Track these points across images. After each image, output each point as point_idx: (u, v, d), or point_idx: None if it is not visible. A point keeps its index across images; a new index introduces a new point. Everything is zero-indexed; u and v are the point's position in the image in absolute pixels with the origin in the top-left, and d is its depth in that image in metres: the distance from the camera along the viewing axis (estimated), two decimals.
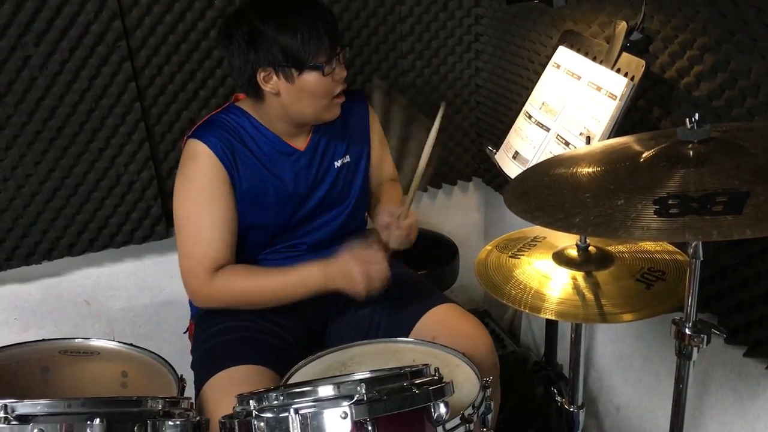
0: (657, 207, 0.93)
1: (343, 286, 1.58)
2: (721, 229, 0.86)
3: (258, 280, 1.64)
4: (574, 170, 1.18)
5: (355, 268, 1.55)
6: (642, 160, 1.10)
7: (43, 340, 1.53)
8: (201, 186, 1.62)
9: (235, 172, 1.64)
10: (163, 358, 1.46)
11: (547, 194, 1.09)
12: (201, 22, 2.00)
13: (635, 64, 1.56)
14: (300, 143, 1.71)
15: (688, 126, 1.07)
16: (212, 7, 1.99)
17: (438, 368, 1.19)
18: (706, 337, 1.14)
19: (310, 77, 1.57)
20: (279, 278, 1.64)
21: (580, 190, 1.06)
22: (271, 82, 1.58)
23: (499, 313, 2.57)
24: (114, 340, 1.53)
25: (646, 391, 1.97)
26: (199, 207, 1.62)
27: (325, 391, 1.08)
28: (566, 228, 0.97)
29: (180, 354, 1.78)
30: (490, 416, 1.30)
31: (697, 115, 1.08)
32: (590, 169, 1.17)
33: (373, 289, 1.56)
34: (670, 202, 0.93)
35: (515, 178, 1.23)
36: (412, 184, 1.63)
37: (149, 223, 2.13)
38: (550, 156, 1.70)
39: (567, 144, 1.67)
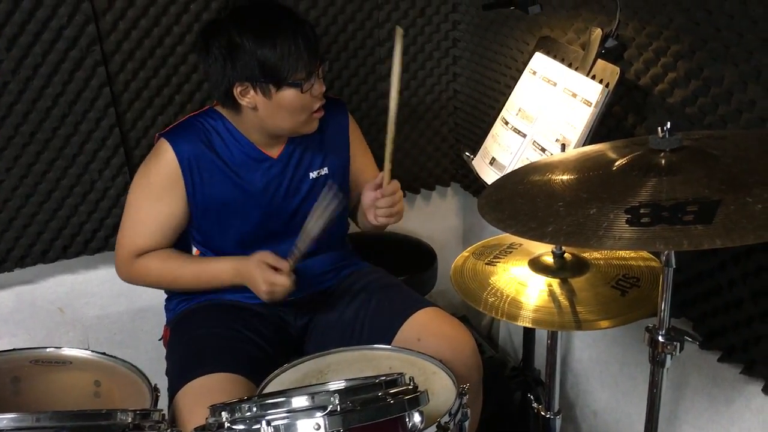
0: (629, 216, 0.93)
1: (250, 285, 1.64)
2: (691, 239, 0.86)
3: (173, 267, 1.71)
4: (549, 178, 1.19)
5: (259, 277, 1.60)
6: (615, 168, 1.10)
7: (14, 349, 1.51)
8: (152, 183, 1.67)
9: (200, 181, 1.65)
10: (137, 367, 1.45)
11: (521, 203, 1.09)
12: (176, 26, 1.98)
13: (610, 71, 1.57)
14: (274, 151, 1.70)
15: (660, 135, 1.07)
16: (188, 12, 1.98)
17: (413, 377, 1.18)
18: (679, 344, 1.15)
19: (288, 94, 1.56)
20: (193, 268, 1.72)
21: (553, 198, 1.06)
22: (248, 97, 1.57)
23: (478, 319, 2.57)
24: (87, 349, 1.51)
25: (622, 395, 1.98)
26: (143, 200, 1.68)
27: (299, 402, 1.08)
28: (539, 237, 0.97)
29: (156, 361, 1.76)
30: (467, 423, 1.30)
31: (669, 123, 1.08)
32: (564, 177, 1.17)
33: (274, 298, 1.61)
34: (641, 211, 0.94)
35: (489, 186, 1.23)
36: (388, 139, 1.62)
37: None
38: (526, 162, 1.70)
39: (543, 150, 1.67)
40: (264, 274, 1.59)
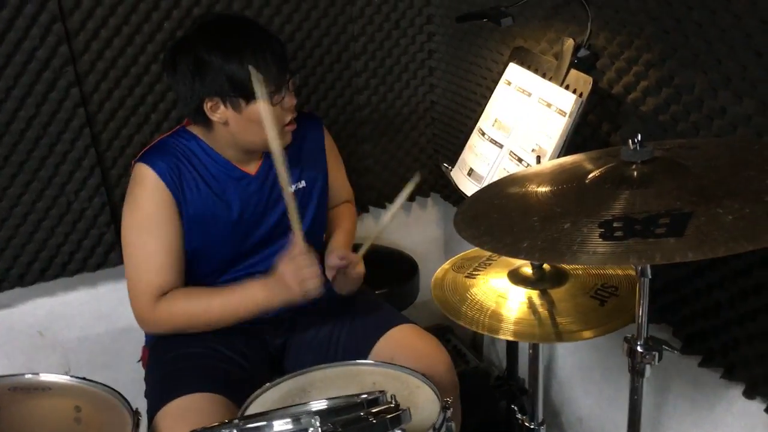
0: (602, 230, 0.94)
1: (284, 295, 1.57)
2: (663, 252, 0.87)
3: (201, 301, 1.63)
4: (525, 190, 1.19)
5: (287, 273, 1.54)
6: (588, 181, 1.11)
7: None
8: (147, 212, 1.60)
9: (182, 196, 1.62)
10: (117, 392, 1.43)
11: (497, 218, 1.09)
12: (150, 45, 1.97)
13: (583, 80, 1.58)
14: (251, 168, 1.69)
15: (631, 146, 1.08)
16: (161, 30, 1.97)
17: (395, 395, 1.18)
18: (657, 354, 1.16)
19: (258, 107, 1.55)
20: (223, 298, 1.63)
21: (528, 213, 1.07)
22: (219, 112, 1.56)
23: (462, 328, 2.57)
24: (66, 374, 1.49)
25: (606, 401, 1.99)
26: (145, 233, 1.61)
27: (280, 425, 1.07)
28: (514, 253, 0.98)
29: (138, 382, 1.74)
30: None
31: (639, 135, 1.09)
32: (540, 189, 1.17)
33: (309, 290, 1.54)
34: (614, 225, 0.94)
35: (464, 201, 1.23)
36: (370, 240, 1.68)
37: (102, 250, 2.09)
38: (504, 173, 1.71)
39: (520, 160, 1.68)
40: (293, 269, 1.52)
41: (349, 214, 1.91)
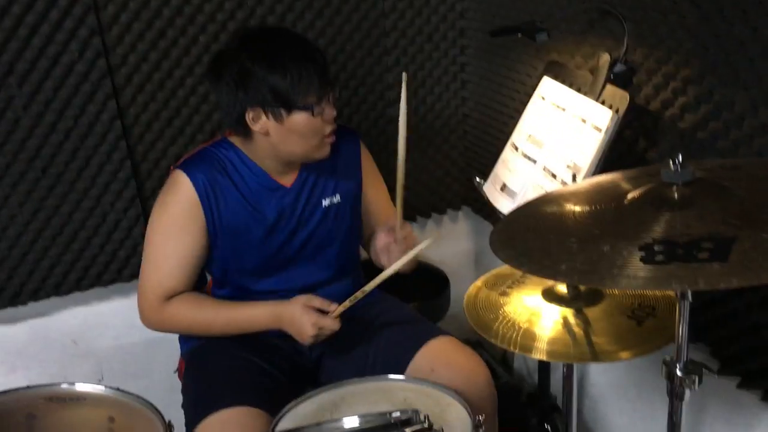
0: (643, 254, 0.92)
1: (290, 331, 1.61)
2: (707, 278, 0.85)
3: (206, 312, 1.67)
4: (561, 209, 1.18)
5: (306, 321, 1.57)
6: (627, 201, 1.09)
7: (29, 387, 1.51)
8: (173, 217, 1.64)
9: (216, 208, 1.64)
10: (151, 403, 1.44)
11: (533, 238, 1.08)
12: (186, 58, 2.00)
13: (619, 96, 1.56)
14: (287, 180, 1.70)
15: (672, 167, 1.06)
16: (197, 44, 1.99)
17: (428, 415, 1.17)
18: (697, 377, 1.13)
19: (300, 118, 1.56)
20: (227, 313, 1.68)
21: (566, 234, 1.05)
22: (260, 122, 1.58)
23: (492, 343, 2.55)
24: (100, 384, 1.50)
25: (641, 421, 1.96)
26: (165, 236, 1.64)
27: None
28: (552, 275, 0.97)
29: (170, 392, 1.76)
30: None
31: (680, 156, 1.07)
32: (576, 209, 1.16)
33: (317, 341, 1.60)
34: (655, 248, 0.93)
35: (501, 221, 1.22)
36: (397, 180, 1.62)
37: (137, 261, 2.11)
38: (537, 188, 1.69)
39: (554, 176, 1.66)
40: (311, 317, 1.57)
41: None
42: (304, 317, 1.57)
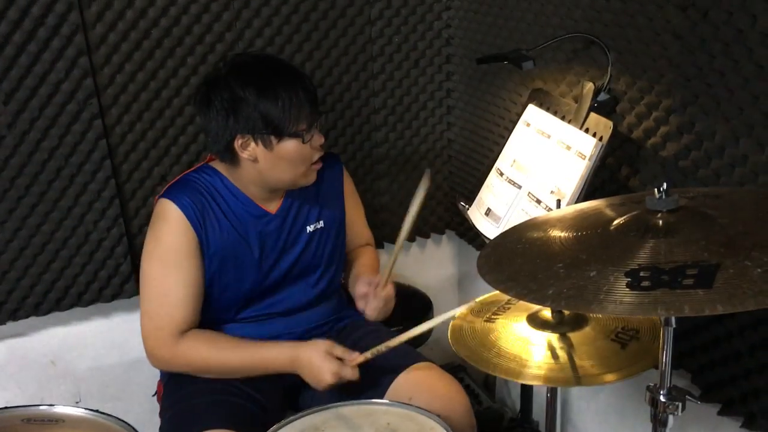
0: (629, 279, 0.94)
1: (305, 375, 1.59)
2: (692, 304, 0.86)
3: (223, 352, 1.62)
4: (547, 235, 1.19)
5: (327, 370, 1.55)
6: (612, 228, 1.11)
7: (6, 408, 1.49)
8: (169, 247, 1.61)
9: (204, 233, 1.62)
10: (131, 426, 1.42)
11: (521, 263, 1.09)
12: (173, 79, 2.00)
13: (603, 124, 1.59)
14: (272, 206, 1.70)
15: (657, 195, 1.08)
16: (185, 65, 2.00)
17: None
18: (681, 404, 1.14)
19: (290, 145, 1.57)
20: (245, 354, 1.63)
21: (553, 259, 1.07)
22: (249, 149, 1.58)
23: (474, 368, 2.55)
24: (79, 407, 1.49)
25: None
26: (166, 268, 1.61)
27: None
28: (540, 300, 0.98)
29: (150, 414, 1.74)
30: None
31: (665, 184, 1.09)
32: (563, 234, 1.17)
33: (327, 387, 1.58)
34: (641, 274, 0.94)
35: (488, 245, 1.23)
36: (393, 253, 1.66)
37: (118, 281, 2.09)
38: (522, 213, 1.71)
39: (539, 202, 1.68)
40: (332, 366, 1.55)
41: (370, 253, 1.92)
42: (324, 365, 1.55)
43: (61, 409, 1.48)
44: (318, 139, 1.61)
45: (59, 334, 2.16)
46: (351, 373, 1.56)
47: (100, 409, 1.46)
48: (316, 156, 1.63)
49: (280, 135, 1.56)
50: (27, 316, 2.05)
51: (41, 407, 1.49)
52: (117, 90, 1.96)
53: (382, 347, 1.57)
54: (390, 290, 1.69)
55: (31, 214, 1.96)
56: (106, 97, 1.95)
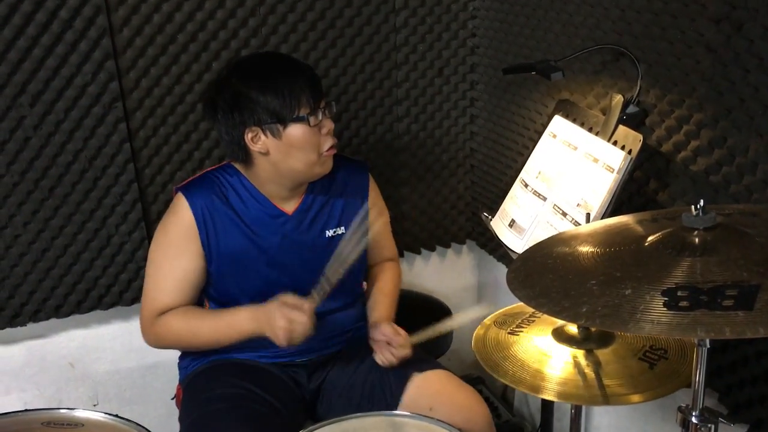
0: (666, 299, 0.91)
1: (267, 332, 1.59)
2: (733, 327, 0.84)
3: (192, 322, 1.68)
4: (576, 250, 1.17)
5: (279, 319, 1.55)
6: (647, 244, 1.09)
7: (26, 410, 1.49)
8: (171, 238, 1.67)
9: (213, 233, 1.65)
10: (149, 431, 1.42)
11: (552, 278, 1.07)
12: (198, 84, 2.00)
13: (632, 137, 1.56)
14: (289, 207, 1.70)
15: (693, 212, 1.06)
16: (209, 71, 2.00)
17: None
18: (713, 426, 1.12)
19: (296, 130, 1.57)
20: (211, 321, 1.69)
21: (585, 275, 1.05)
22: (260, 142, 1.59)
23: (493, 379, 2.53)
24: (99, 411, 1.48)
25: None
26: (163, 256, 1.68)
27: None
28: (573, 318, 0.96)
29: (167, 419, 1.73)
30: None
31: (702, 201, 1.07)
32: (593, 250, 1.15)
33: (293, 341, 1.56)
34: (679, 293, 0.92)
35: (517, 259, 1.21)
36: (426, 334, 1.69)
37: (138, 284, 2.09)
38: (547, 226, 1.69)
39: (564, 215, 1.66)
40: (283, 310, 1.56)
41: (392, 275, 1.90)
42: (276, 311, 1.56)
43: (80, 413, 1.48)
44: (327, 125, 1.62)
45: (78, 336, 2.17)
46: (302, 317, 1.54)
47: (119, 413, 1.46)
48: (328, 143, 1.63)
49: (285, 122, 1.57)
50: (47, 318, 2.05)
51: (62, 411, 1.49)
52: (142, 94, 1.96)
53: (326, 286, 1.58)
54: (407, 353, 1.69)
55: (53, 216, 1.96)
56: (131, 101, 1.95)
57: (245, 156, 1.62)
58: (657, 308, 0.91)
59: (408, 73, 2.23)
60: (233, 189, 1.67)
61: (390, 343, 1.69)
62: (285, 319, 1.55)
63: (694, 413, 1.12)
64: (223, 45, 1.99)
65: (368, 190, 1.80)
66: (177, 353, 1.84)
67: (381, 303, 1.83)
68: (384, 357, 1.69)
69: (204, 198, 1.65)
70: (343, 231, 1.75)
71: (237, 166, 1.69)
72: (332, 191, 1.73)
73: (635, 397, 1.27)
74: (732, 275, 0.93)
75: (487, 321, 1.53)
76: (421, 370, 1.68)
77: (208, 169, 1.74)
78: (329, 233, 1.74)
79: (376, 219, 1.81)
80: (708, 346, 1.08)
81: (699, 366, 1.09)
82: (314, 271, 1.71)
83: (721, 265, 0.96)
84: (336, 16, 2.07)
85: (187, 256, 1.66)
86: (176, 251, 1.67)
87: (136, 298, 2.11)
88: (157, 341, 1.72)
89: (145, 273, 1.73)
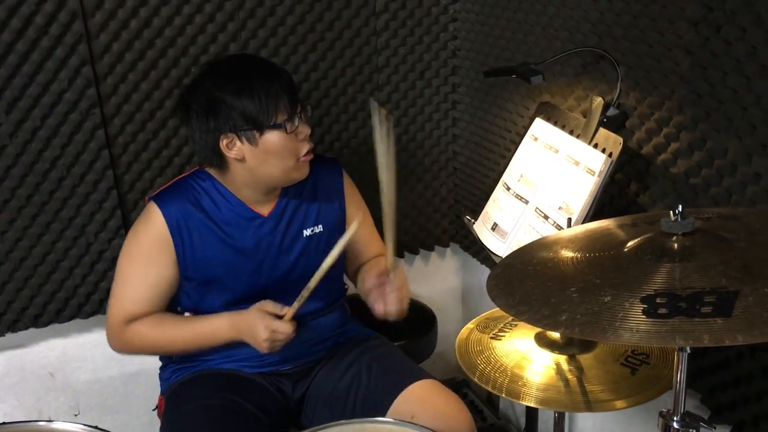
0: (645, 306, 0.91)
1: (248, 340, 1.59)
2: (711, 334, 0.84)
3: (167, 330, 1.66)
4: (558, 256, 1.17)
5: (260, 324, 1.55)
6: (626, 250, 1.09)
7: (3, 423, 1.46)
8: (142, 247, 1.65)
9: (188, 241, 1.63)
10: None
11: (532, 285, 1.06)
12: (177, 89, 1.98)
13: (613, 140, 1.56)
14: (264, 209, 1.68)
15: (672, 217, 1.06)
16: (188, 75, 1.98)
17: None
18: (695, 431, 1.12)
19: (273, 137, 1.55)
20: (188, 328, 1.67)
21: (565, 282, 1.04)
22: (235, 149, 1.56)
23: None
24: (78, 423, 1.46)
25: None
26: (132, 264, 1.66)
27: None
28: (553, 326, 0.95)
29: (149, 427, 1.72)
30: None
31: (680, 206, 1.07)
32: (573, 255, 1.15)
33: (274, 349, 1.58)
34: (657, 300, 0.91)
35: (498, 265, 1.21)
36: (384, 215, 1.58)
37: None
38: (529, 229, 1.69)
39: (546, 218, 1.66)
40: (264, 320, 1.55)
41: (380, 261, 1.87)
42: (257, 321, 1.56)
43: (59, 426, 1.46)
44: (303, 130, 1.59)
45: (58, 346, 2.14)
46: (284, 327, 1.55)
47: (100, 422, 1.44)
48: (304, 148, 1.61)
49: (262, 128, 1.54)
50: (26, 328, 2.03)
51: (40, 423, 1.46)
52: (120, 100, 1.94)
53: (304, 293, 1.57)
54: (401, 277, 1.61)
55: (32, 225, 1.94)
56: (108, 107, 1.93)
57: (220, 162, 1.60)
58: (636, 316, 0.91)
59: (389, 76, 2.22)
60: (207, 194, 1.65)
61: (383, 279, 1.62)
62: (267, 329, 1.55)
63: (675, 418, 1.12)
64: (202, 50, 1.97)
65: (343, 185, 1.79)
66: (158, 362, 1.81)
67: (370, 268, 1.77)
68: (388, 308, 1.61)
69: (178, 207, 1.62)
70: (321, 229, 1.73)
71: (210, 171, 1.66)
72: (306, 190, 1.71)
73: (618, 403, 1.27)
74: (710, 281, 0.93)
75: (469, 325, 1.52)
76: (404, 378, 1.67)
77: (180, 176, 1.71)
78: (307, 232, 1.72)
79: (354, 215, 1.78)
80: (689, 351, 1.08)
81: (679, 371, 1.09)
82: (294, 272, 1.70)
83: (700, 271, 0.96)
84: (316, 19, 2.06)
85: (159, 264, 1.64)
86: (148, 260, 1.64)
87: None
88: (123, 348, 1.70)
89: (114, 277, 1.70)
